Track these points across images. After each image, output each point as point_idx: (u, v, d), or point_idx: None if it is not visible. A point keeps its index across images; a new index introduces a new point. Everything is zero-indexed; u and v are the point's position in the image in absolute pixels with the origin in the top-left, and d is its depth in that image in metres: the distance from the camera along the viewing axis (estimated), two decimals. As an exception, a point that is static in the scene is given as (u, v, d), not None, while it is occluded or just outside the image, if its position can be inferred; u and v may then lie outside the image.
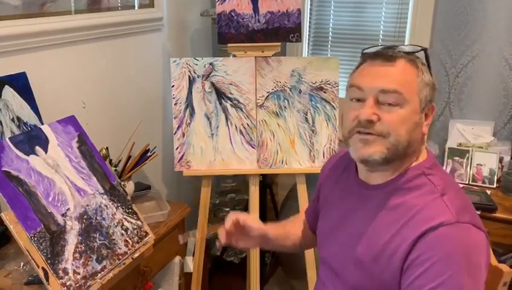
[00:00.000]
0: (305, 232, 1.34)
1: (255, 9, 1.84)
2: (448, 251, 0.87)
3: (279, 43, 1.87)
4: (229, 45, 1.86)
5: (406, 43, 2.37)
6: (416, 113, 0.96)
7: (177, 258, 1.85)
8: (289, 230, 1.34)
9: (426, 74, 0.98)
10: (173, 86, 1.86)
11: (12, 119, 1.45)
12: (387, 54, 0.98)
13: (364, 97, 0.97)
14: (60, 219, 1.24)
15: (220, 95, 1.87)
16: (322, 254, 1.17)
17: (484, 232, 0.93)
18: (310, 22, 2.59)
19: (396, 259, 0.93)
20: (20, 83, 1.48)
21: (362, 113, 0.95)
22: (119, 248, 1.33)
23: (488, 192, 1.95)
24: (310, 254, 1.91)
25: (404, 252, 0.91)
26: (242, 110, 1.88)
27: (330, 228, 1.13)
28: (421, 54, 1.03)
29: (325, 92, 1.88)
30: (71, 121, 1.43)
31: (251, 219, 1.21)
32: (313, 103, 1.89)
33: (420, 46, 1.02)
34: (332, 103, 1.89)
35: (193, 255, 1.95)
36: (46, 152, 1.30)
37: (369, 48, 1.04)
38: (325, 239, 1.15)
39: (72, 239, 1.24)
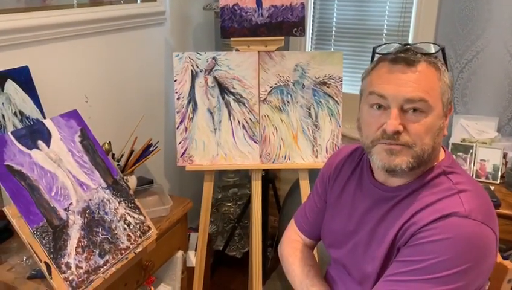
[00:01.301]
0: (307, 247, 1.28)
1: (258, 3, 1.83)
2: (449, 237, 0.87)
3: (283, 38, 1.86)
4: (232, 39, 1.85)
5: (410, 38, 2.36)
6: (440, 118, 0.94)
7: (180, 253, 1.85)
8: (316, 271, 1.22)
9: (446, 75, 0.95)
10: (176, 80, 1.85)
11: (15, 113, 1.44)
12: (409, 58, 0.92)
13: (387, 105, 0.94)
14: (62, 214, 1.23)
15: (223, 89, 1.86)
16: (335, 255, 1.15)
17: (495, 235, 0.93)
18: (313, 16, 2.58)
19: (404, 238, 0.94)
20: (23, 77, 1.48)
21: (389, 125, 0.91)
22: (122, 243, 1.33)
23: (492, 188, 1.94)
24: (312, 249, 1.91)
25: (411, 233, 0.92)
26: (245, 105, 1.87)
27: (344, 230, 1.10)
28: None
29: (328, 87, 1.87)
30: (73, 115, 1.42)
31: None
32: (316, 97, 1.88)
33: (438, 45, 0.98)
34: (336, 98, 1.88)
35: (195, 250, 1.95)
36: (48, 146, 1.30)
37: (381, 45, 0.99)
38: (339, 241, 1.13)
39: (74, 234, 1.24)
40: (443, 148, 1.03)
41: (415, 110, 0.91)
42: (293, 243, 1.29)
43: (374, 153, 0.97)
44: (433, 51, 0.96)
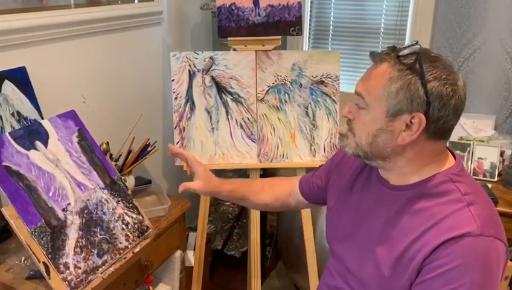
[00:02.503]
0: (291, 196, 1.34)
1: (256, 2, 1.83)
2: (468, 261, 0.86)
3: (280, 37, 1.86)
4: (229, 38, 1.85)
5: (407, 37, 2.36)
6: (379, 120, 0.94)
7: (178, 252, 1.85)
8: (259, 192, 1.34)
9: (400, 81, 0.91)
10: (173, 80, 1.85)
11: (12, 114, 1.44)
12: (373, 58, 0.98)
13: None
14: (60, 214, 1.24)
15: (221, 89, 1.86)
16: (336, 249, 1.14)
17: (506, 246, 0.92)
18: (310, 15, 2.58)
19: (415, 263, 0.92)
20: (20, 78, 1.48)
21: (342, 111, 1.03)
22: (120, 243, 1.33)
23: (489, 186, 1.95)
24: (311, 248, 1.92)
25: (423, 257, 0.91)
26: (242, 104, 1.87)
27: (349, 225, 1.11)
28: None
29: (325, 86, 1.88)
30: (71, 115, 1.42)
31: (196, 177, 1.29)
32: (313, 96, 1.88)
33: (415, 50, 0.92)
34: (333, 97, 1.88)
35: (194, 249, 1.95)
36: (46, 147, 1.30)
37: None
38: (342, 235, 1.13)
39: (72, 234, 1.24)
40: (453, 154, 1.02)
41: (359, 106, 0.98)
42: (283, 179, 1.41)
43: None
44: (404, 53, 0.92)
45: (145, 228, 1.42)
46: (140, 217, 1.43)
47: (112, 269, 1.28)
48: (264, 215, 2.27)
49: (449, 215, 0.91)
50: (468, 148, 2.07)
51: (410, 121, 0.91)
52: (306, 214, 1.91)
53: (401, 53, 0.92)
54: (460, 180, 0.96)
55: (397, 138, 0.94)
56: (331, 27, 2.56)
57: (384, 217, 1.01)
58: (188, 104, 1.86)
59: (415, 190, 0.97)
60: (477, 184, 1.00)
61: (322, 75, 1.87)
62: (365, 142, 0.98)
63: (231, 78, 1.86)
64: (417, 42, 0.93)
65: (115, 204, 1.38)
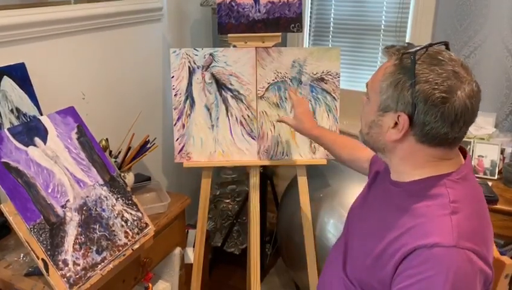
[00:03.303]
0: (365, 164, 1.37)
1: (256, -1, 1.82)
2: (436, 273, 0.84)
3: (280, 34, 1.85)
4: (229, 35, 1.84)
5: (407, 34, 2.35)
6: (373, 111, 0.98)
7: (178, 249, 1.85)
8: (342, 148, 1.49)
9: (391, 78, 0.91)
10: (173, 76, 1.84)
11: (11, 110, 1.44)
12: (385, 52, 0.99)
13: None
14: (59, 210, 1.23)
15: (220, 86, 1.86)
16: (350, 227, 1.19)
17: (488, 265, 0.89)
18: (311, 12, 2.58)
19: (392, 262, 0.92)
20: (19, 74, 1.47)
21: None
22: (119, 239, 1.33)
23: (490, 183, 1.95)
24: (310, 245, 1.91)
25: (399, 259, 0.91)
26: (242, 101, 1.87)
27: (359, 202, 1.18)
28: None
29: (326, 83, 1.87)
30: (70, 112, 1.42)
31: (292, 118, 1.60)
32: (313, 94, 1.87)
33: (413, 50, 0.91)
34: (333, 94, 1.87)
35: (193, 246, 1.95)
36: (45, 143, 1.30)
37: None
38: (351, 211, 1.21)
39: (71, 230, 1.23)
40: (463, 158, 0.99)
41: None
42: None
43: None
44: (406, 51, 0.92)
45: (144, 224, 1.42)
46: (140, 214, 1.43)
47: (111, 265, 1.27)
48: (263, 212, 2.26)
49: (429, 220, 0.90)
50: (469, 146, 2.06)
51: (398, 120, 0.93)
52: (306, 211, 1.90)
53: (405, 51, 0.92)
54: (455, 187, 0.93)
55: (386, 134, 0.96)
56: (331, 24, 2.56)
57: (380, 210, 1.05)
58: (188, 101, 1.86)
59: (407, 188, 0.98)
60: (476, 196, 0.97)
61: (323, 72, 1.86)
62: (364, 132, 1.04)
63: (231, 75, 1.85)
64: (431, 44, 0.92)
65: (114, 201, 1.38)
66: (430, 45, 0.92)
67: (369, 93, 1.00)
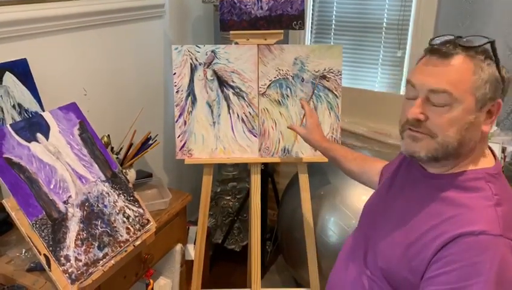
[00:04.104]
0: (375, 176, 1.38)
1: (258, -4, 1.82)
2: (482, 260, 0.85)
3: (282, 31, 1.85)
4: (231, 32, 1.84)
5: (409, 32, 2.35)
6: (470, 112, 0.92)
7: (179, 246, 1.85)
8: (351, 160, 1.46)
9: (486, 70, 0.93)
10: (175, 73, 1.84)
11: (14, 106, 1.44)
12: (442, 51, 0.94)
13: (416, 95, 0.96)
14: (61, 206, 1.23)
15: (222, 83, 1.86)
16: (365, 229, 1.18)
17: None
18: (313, 10, 2.57)
19: (429, 249, 0.92)
20: (21, 70, 1.47)
21: (410, 113, 0.95)
22: (121, 235, 1.33)
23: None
24: (311, 243, 1.92)
25: (439, 246, 0.91)
26: (244, 99, 1.87)
27: (380, 195, 1.17)
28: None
29: (327, 81, 1.87)
30: (72, 108, 1.42)
31: (303, 128, 1.58)
32: (315, 91, 1.87)
33: (486, 38, 0.94)
34: (335, 92, 1.87)
35: (194, 243, 1.96)
36: (47, 139, 1.30)
37: (437, 37, 1.00)
38: (370, 205, 1.20)
39: (73, 226, 1.24)
40: (496, 157, 1.02)
41: (440, 104, 0.93)
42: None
43: (402, 139, 1.01)
44: (476, 44, 0.94)
45: (146, 221, 1.42)
46: (141, 211, 1.43)
47: (112, 261, 1.28)
48: (264, 210, 2.27)
49: (474, 209, 0.91)
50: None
51: (490, 109, 0.95)
52: (307, 209, 1.91)
53: (473, 44, 0.93)
54: (494, 181, 0.95)
55: (481, 129, 0.96)
56: (333, 21, 2.55)
57: (412, 200, 1.03)
58: (190, 98, 1.86)
59: (448, 180, 0.98)
60: (511, 190, 1.00)
61: (324, 70, 1.86)
62: (454, 140, 0.93)
63: (233, 72, 1.85)
64: (460, 36, 0.96)
65: (116, 197, 1.38)
66: (467, 37, 0.96)
67: (457, 96, 0.91)
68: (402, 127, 1.00)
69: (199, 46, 1.84)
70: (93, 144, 1.41)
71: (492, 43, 0.94)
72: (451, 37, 0.97)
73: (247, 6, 1.83)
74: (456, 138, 0.93)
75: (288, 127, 1.69)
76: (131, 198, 1.43)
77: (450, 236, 0.89)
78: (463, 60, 0.93)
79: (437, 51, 0.94)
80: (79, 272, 1.19)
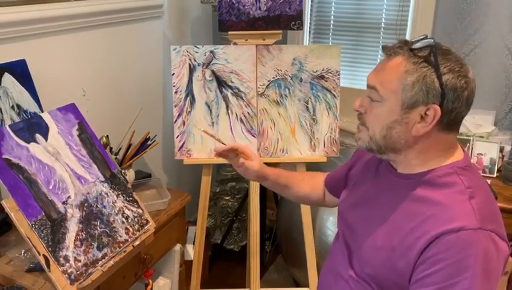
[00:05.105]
0: (322, 190, 1.38)
1: (256, -4, 1.83)
2: (466, 255, 0.86)
3: (281, 31, 1.85)
4: (229, 32, 1.85)
5: (407, 32, 2.36)
6: (394, 112, 0.95)
7: (178, 246, 1.86)
8: (300, 181, 1.39)
9: (415, 74, 0.92)
10: (173, 74, 1.85)
11: (12, 107, 1.44)
12: (387, 51, 0.98)
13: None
14: (60, 207, 1.24)
15: (221, 83, 1.86)
16: (351, 219, 1.16)
17: (507, 244, 0.92)
18: (311, 10, 2.58)
19: (413, 251, 0.93)
20: (20, 70, 1.47)
21: (354, 104, 1.03)
22: (120, 236, 1.33)
23: (489, 181, 1.95)
24: (310, 242, 1.92)
25: (422, 247, 0.91)
26: (243, 99, 1.87)
27: (354, 202, 1.15)
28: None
29: (326, 81, 1.87)
30: (71, 108, 1.42)
31: (251, 159, 1.30)
32: (314, 91, 1.88)
33: (430, 42, 0.93)
34: (333, 92, 1.88)
35: (193, 243, 1.96)
36: (46, 140, 1.30)
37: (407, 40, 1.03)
38: (345, 213, 1.18)
39: (72, 227, 1.24)
40: (464, 151, 1.03)
41: (372, 100, 0.99)
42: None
43: None
44: (415, 47, 0.94)
45: (145, 221, 1.42)
46: (140, 211, 1.43)
47: (111, 262, 1.28)
48: (263, 210, 2.27)
49: (450, 206, 0.92)
50: (468, 144, 2.07)
51: (425, 113, 0.94)
52: (305, 209, 1.91)
53: (415, 46, 0.94)
54: (465, 174, 0.97)
55: (411, 130, 0.96)
56: (331, 22, 2.56)
57: (388, 202, 1.03)
58: (188, 98, 1.86)
59: (419, 179, 0.99)
60: (483, 180, 1.01)
61: (323, 70, 1.86)
62: (379, 135, 0.99)
63: (231, 72, 1.85)
64: (427, 36, 0.95)
65: (115, 197, 1.39)
66: (424, 38, 0.95)
67: (383, 95, 0.96)
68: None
69: (198, 46, 1.85)
70: (92, 144, 1.41)
71: (432, 48, 0.92)
72: (415, 39, 0.97)
73: (246, 7, 1.83)
74: (381, 133, 0.98)
75: (237, 165, 1.35)
76: (130, 198, 1.43)
77: (431, 236, 0.90)
78: (400, 61, 0.95)
79: (384, 51, 0.99)
80: (78, 272, 1.19)
